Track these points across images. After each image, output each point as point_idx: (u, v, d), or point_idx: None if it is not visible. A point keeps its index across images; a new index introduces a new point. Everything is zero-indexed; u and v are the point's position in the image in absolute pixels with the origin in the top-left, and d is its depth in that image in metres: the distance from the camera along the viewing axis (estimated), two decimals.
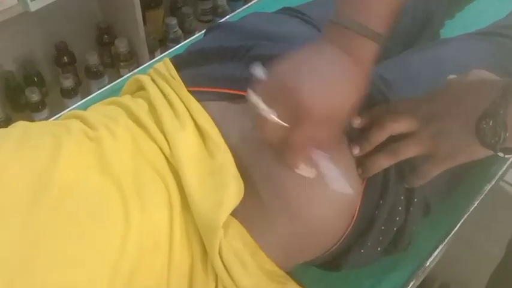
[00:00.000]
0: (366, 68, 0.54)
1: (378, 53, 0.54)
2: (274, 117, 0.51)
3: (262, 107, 0.51)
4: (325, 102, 0.51)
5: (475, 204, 0.84)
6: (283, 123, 0.51)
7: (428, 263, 0.78)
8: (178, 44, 1.24)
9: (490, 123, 0.54)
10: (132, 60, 1.61)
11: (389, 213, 0.65)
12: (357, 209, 0.63)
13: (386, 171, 0.62)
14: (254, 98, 0.52)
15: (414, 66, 0.76)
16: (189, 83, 0.66)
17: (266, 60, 0.62)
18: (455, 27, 1.04)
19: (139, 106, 0.65)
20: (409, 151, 0.60)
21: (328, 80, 0.51)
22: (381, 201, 0.63)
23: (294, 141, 0.52)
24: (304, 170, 0.55)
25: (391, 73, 0.72)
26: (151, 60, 1.20)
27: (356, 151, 0.61)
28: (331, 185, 0.55)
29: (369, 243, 0.65)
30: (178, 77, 0.67)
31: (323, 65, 0.52)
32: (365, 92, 0.54)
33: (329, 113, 0.52)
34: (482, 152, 0.57)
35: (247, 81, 0.63)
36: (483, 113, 0.55)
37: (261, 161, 0.59)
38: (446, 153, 0.59)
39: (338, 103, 0.52)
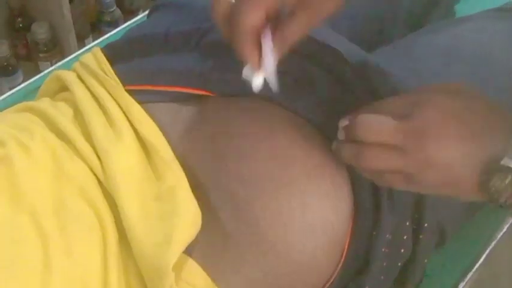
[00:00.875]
0: None
1: None
2: None
3: None
4: None
5: (504, 229, 0.86)
6: None
7: None
8: (116, 28, 1.24)
9: (507, 181, 0.50)
10: (55, 50, 1.61)
11: (391, 245, 0.66)
12: (348, 241, 0.64)
13: (376, 191, 0.63)
14: None
15: (420, 54, 0.78)
16: (127, 80, 0.67)
17: (225, 48, 0.63)
18: (475, 1, 1.06)
19: (61, 113, 0.64)
20: (377, 161, 0.55)
21: None
22: (374, 232, 0.65)
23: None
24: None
25: (389, 62, 0.74)
26: (80, 50, 1.19)
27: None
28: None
29: (366, 287, 0.66)
30: (113, 73, 0.67)
31: None
32: None
33: None
34: (475, 197, 0.54)
35: (203, 77, 0.64)
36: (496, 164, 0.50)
37: (224, 182, 0.60)
38: (428, 184, 0.54)
39: None
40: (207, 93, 0.65)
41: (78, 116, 0.64)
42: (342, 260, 0.64)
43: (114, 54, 0.70)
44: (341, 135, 0.58)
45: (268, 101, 0.63)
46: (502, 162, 0.50)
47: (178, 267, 0.56)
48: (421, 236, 0.69)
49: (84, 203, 0.58)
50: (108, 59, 0.69)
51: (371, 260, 0.65)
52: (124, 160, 0.60)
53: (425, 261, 0.72)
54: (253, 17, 0.52)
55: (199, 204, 0.59)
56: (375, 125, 0.54)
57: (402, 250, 0.68)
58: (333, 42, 0.69)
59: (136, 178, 0.60)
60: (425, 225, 0.69)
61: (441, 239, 0.74)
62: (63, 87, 0.70)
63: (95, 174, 0.60)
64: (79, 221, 0.56)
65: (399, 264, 0.69)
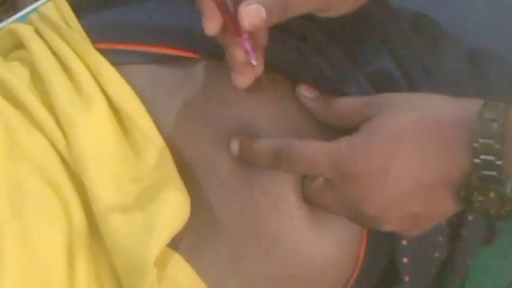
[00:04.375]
0: None
1: None
2: None
3: None
4: None
5: None
6: None
7: None
8: None
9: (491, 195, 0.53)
10: (7, 4, 1.61)
11: (421, 249, 0.66)
12: (364, 240, 0.64)
13: None
14: None
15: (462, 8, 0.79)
16: (96, 36, 0.67)
17: None
18: None
19: (15, 75, 0.65)
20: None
21: None
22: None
23: None
24: None
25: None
26: (36, 2, 1.20)
27: None
28: None
29: None
30: (80, 27, 0.68)
31: None
32: None
33: None
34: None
35: (187, 33, 0.64)
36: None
37: (218, 160, 0.61)
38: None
39: None
40: (192, 55, 0.65)
41: (36, 78, 0.65)
42: (359, 264, 0.64)
43: (82, 3, 0.70)
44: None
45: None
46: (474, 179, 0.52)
47: (161, 263, 0.57)
48: (463, 232, 0.69)
49: (43, 183, 0.59)
50: (73, 9, 0.69)
51: (398, 264, 0.66)
52: (94, 133, 0.61)
53: (469, 262, 0.73)
54: None
55: (186, 187, 0.60)
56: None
57: (437, 254, 0.68)
58: None
59: (110, 155, 0.61)
60: (469, 217, 0.70)
61: (490, 234, 0.75)
62: (18, 45, 0.71)
63: (57, 150, 0.61)
64: (37, 204, 0.57)
65: (433, 269, 0.69)
